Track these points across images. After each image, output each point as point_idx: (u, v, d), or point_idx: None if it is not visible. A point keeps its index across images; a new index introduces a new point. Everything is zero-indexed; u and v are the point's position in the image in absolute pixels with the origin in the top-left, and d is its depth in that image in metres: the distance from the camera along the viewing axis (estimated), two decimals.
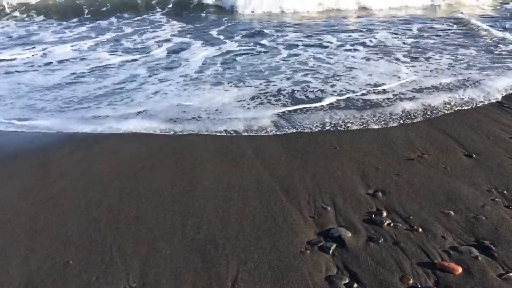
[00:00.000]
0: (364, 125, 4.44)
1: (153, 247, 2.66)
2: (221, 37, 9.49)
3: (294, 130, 4.39)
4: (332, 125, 4.46)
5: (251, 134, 4.36)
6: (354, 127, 4.39)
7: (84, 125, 4.83)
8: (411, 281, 2.30)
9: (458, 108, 4.80)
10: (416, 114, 4.64)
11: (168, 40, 9.36)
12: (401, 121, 4.50)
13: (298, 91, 5.63)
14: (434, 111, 4.71)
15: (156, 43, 9.15)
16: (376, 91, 5.50)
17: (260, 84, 5.98)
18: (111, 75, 6.92)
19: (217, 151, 3.95)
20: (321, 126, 4.45)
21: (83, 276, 2.43)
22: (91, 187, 3.40)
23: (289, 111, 4.96)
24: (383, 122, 4.48)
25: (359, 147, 3.92)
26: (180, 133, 4.44)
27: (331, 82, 5.92)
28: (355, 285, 2.30)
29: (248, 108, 5.11)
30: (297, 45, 8.26)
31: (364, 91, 5.48)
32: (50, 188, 3.41)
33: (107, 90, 6.15)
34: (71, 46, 9.10)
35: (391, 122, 4.48)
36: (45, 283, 2.39)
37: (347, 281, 2.33)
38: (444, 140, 3.99)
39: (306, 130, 4.37)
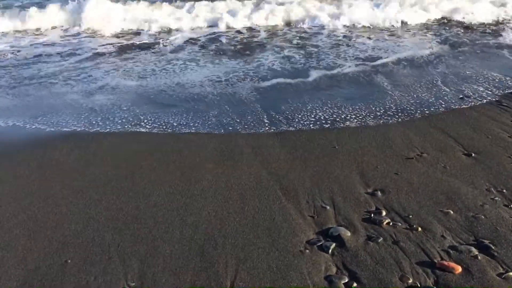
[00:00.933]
0: (363, 122, 4.43)
1: (152, 247, 2.65)
2: None
3: (293, 128, 4.38)
4: (329, 122, 4.46)
5: (250, 132, 4.35)
6: (353, 125, 4.38)
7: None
8: (410, 280, 2.29)
9: (457, 106, 4.80)
10: (414, 111, 4.64)
11: None
12: (400, 120, 4.49)
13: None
14: (432, 109, 4.71)
15: None
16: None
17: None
18: (78, 54, 7.32)
19: (216, 150, 3.94)
20: (318, 124, 4.45)
21: (81, 276, 2.42)
22: (89, 186, 3.38)
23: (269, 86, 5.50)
24: (381, 121, 4.47)
25: (358, 145, 3.91)
26: (178, 132, 4.43)
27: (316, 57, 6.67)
28: (355, 284, 2.29)
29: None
30: None
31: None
32: (48, 188, 3.39)
33: (65, 67, 6.55)
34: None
35: (390, 120, 4.48)
36: (43, 283, 2.38)
37: (346, 281, 2.32)
38: (443, 139, 3.99)
39: (305, 128, 4.37)
